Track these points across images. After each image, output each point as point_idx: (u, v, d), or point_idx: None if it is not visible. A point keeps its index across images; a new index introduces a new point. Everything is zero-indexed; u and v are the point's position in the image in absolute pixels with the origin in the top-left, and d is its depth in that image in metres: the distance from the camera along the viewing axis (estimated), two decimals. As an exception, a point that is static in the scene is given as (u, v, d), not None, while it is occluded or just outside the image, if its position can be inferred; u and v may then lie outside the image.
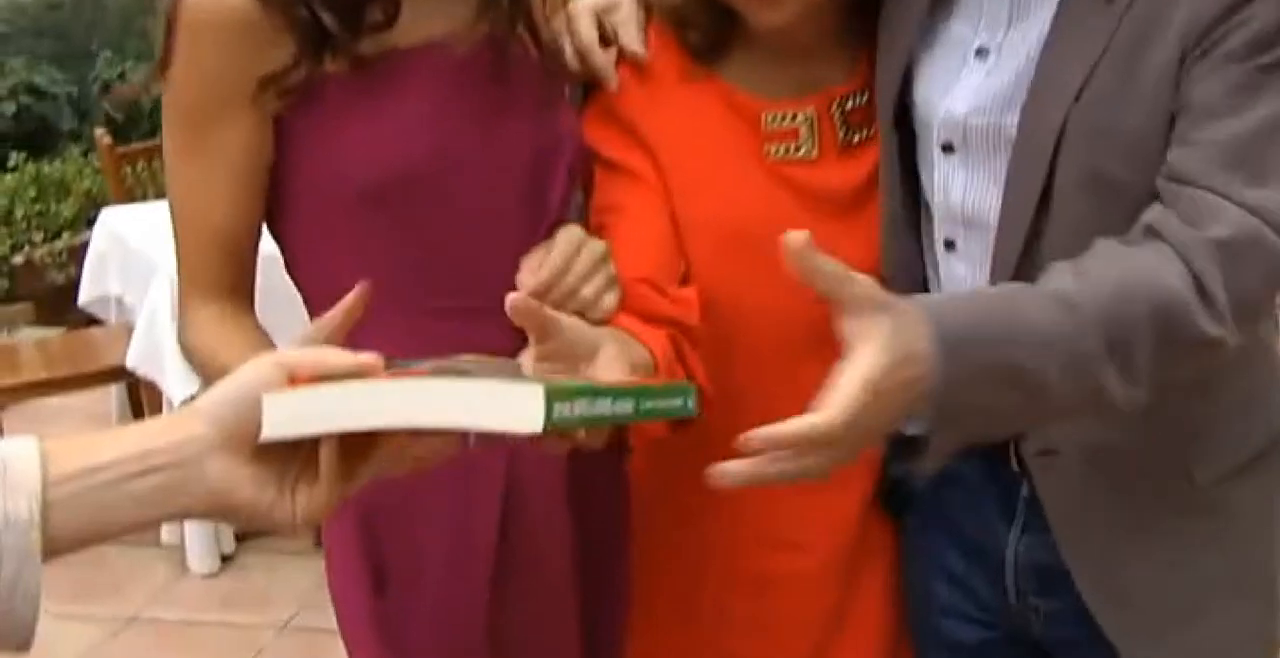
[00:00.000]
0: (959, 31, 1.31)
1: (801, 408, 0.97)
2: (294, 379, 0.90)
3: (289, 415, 0.88)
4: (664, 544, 1.52)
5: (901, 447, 1.10)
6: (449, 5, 1.34)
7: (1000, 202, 1.27)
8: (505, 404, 0.84)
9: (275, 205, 1.36)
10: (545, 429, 0.83)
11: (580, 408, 0.88)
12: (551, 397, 0.83)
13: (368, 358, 0.91)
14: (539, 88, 1.40)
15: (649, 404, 0.97)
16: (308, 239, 1.38)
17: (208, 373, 1.28)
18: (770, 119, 1.43)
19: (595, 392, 0.91)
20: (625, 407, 0.93)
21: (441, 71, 1.33)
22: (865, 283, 1.01)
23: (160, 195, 3.73)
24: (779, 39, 1.41)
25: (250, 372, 0.90)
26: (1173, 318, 1.08)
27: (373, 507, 1.37)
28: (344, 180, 1.31)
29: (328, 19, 1.27)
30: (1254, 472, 1.36)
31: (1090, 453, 1.31)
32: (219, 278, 1.33)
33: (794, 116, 1.43)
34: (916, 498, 1.47)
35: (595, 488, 1.46)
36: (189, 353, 1.34)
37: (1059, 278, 1.10)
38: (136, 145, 4.47)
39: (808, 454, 0.97)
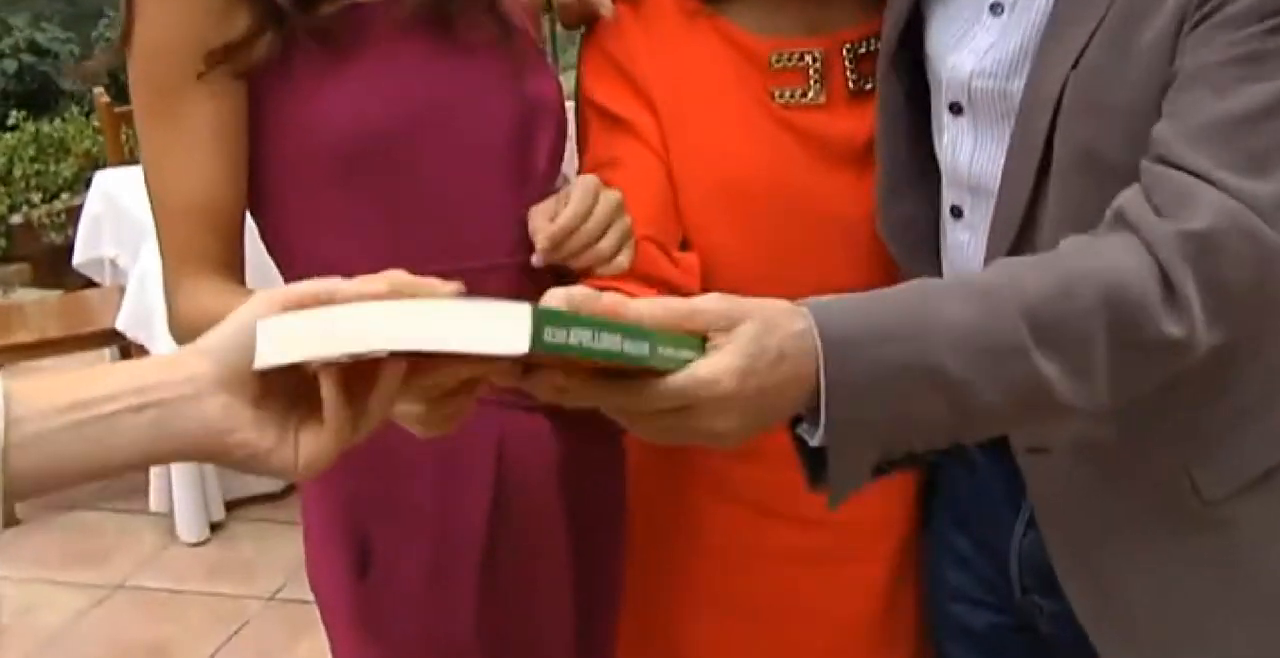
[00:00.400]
0: None
1: None
2: None
3: (280, 341, 0.85)
4: (661, 523, 1.49)
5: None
6: None
7: (1002, 171, 1.21)
8: (492, 324, 0.80)
9: (254, 179, 1.31)
10: (531, 350, 0.78)
11: (578, 337, 0.82)
12: (542, 319, 0.79)
13: (374, 286, 0.85)
14: (507, 49, 1.34)
15: (668, 351, 0.89)
16: (289, 211, 1.32)
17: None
18: (776, 58, 1.37)
19: (603, 325, 0.84)
20: (639, 348, 0.86)
21: (403, 27, 1.28)
22: (710, 304, 0.92)
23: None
24: None
25: (250, 309, 0.86)
26: (1130, 314, 0.99)
27: (358, 489, 1.34)
28: (320, 145, 1.27)
29: None
30: (1268, 487, 1.26)
31: (1084, 454, 1.23)
32: (207, 253, 1.28)
33: (801, 56, 1.37)
34: (931, 481, 1.44)
35: (590, 471, 1.42)
36: (187, 325, 1.27)
37: (986, 272, 1.04)
38: (137, 106, 4.39)
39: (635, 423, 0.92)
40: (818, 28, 1.38)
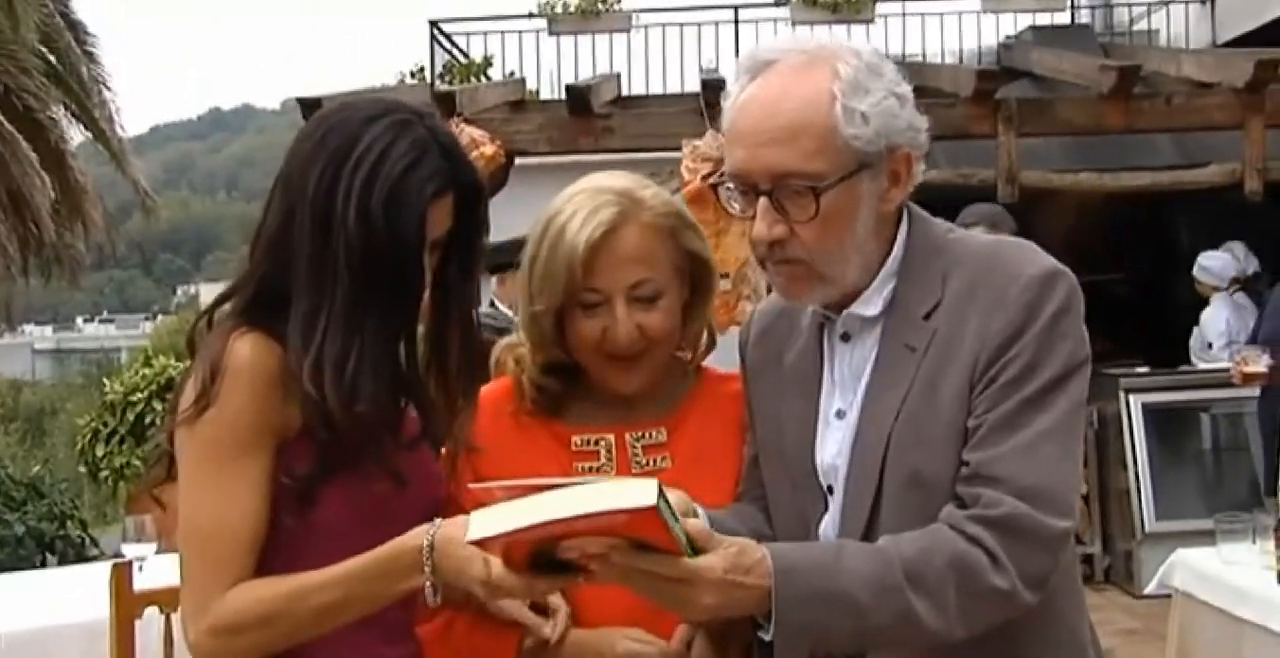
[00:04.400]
0: (824, 402, 1.74)
1: None
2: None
3: (486, 522, 1.41)
4: None
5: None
6: None
7: (841, 505, 1.68)
8: (629, 490, 1.37)
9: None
10: (655, 504, 1.34)
11: (667, 511, 1.38)
12: (661, 490, 1.36)
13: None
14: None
15: (685, 543, 1.44)
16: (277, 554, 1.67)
17: (290, 607, 1.62)
18: (579, 441, 1.90)
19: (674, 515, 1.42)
20: (682, 535, 1.44)
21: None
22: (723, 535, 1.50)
23: None
24: (613, 393, 1.87)
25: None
26: (968, 568, 1.52)
27: None
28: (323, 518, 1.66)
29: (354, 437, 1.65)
30: None
31: None
32: (243, 570, 1.64)
33: (596, 441, 1.90)
34: None
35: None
36: (228, 625, 1.61)
37: (884, 538, 1.58)
38: None
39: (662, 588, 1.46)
40: (614, 420, 1.91)
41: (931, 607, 1.50)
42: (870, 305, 1.69)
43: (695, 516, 1.58)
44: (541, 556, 1.47)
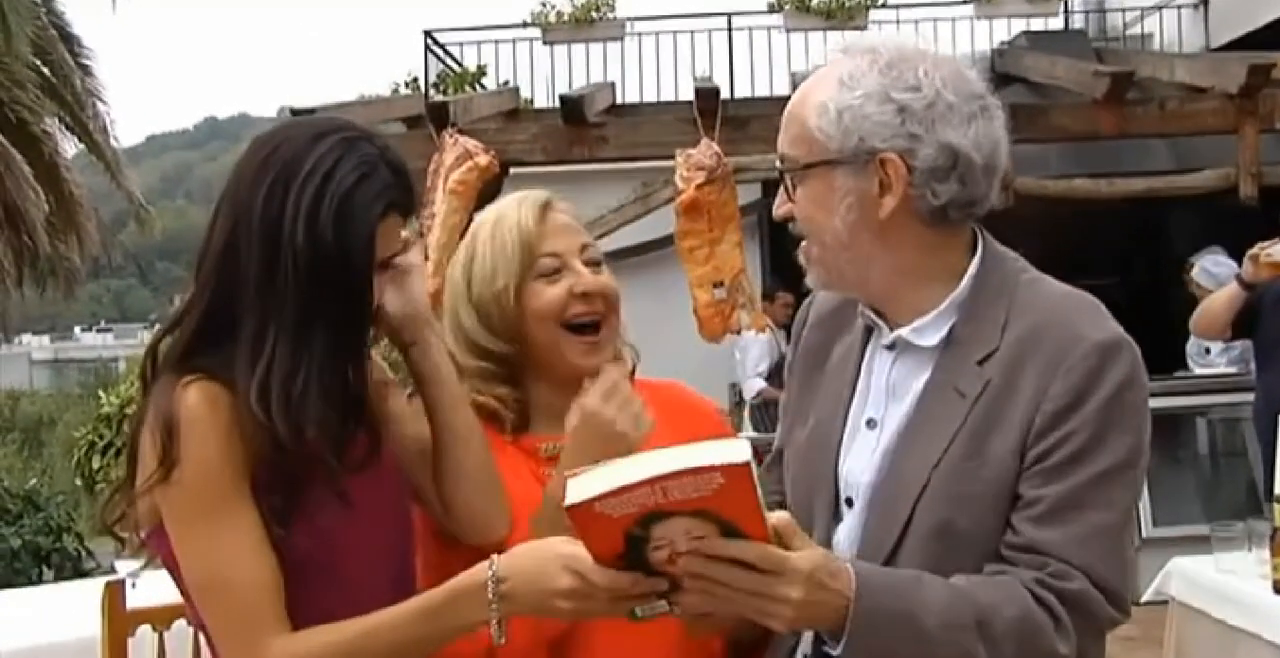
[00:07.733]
0: (856, 407, 1.72)
1: None
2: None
3: (583, 486, 1.37)
4: None
5: None
6: None
7: (860, 540, 1.66)
8: (723, 449, 1.35)
9: None
10: (747, 461, 1.33)
11: (757, 484, 1.36)
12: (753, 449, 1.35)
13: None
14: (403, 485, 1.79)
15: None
16: None
17: (363, 647, 1.57)
18: (546, 448, 1.91)
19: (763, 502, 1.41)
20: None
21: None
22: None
23: None
24: (576, 388, 1.85)
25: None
26: (1035, 627, 1.52)
27: None
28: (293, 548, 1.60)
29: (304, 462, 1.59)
30: None
31: None
32: (279, 613, 1.58)
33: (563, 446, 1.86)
34: None
35: None
36: None
37: (957, 577, 1.55)
38: None
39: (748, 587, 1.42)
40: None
41: (990, 656, 1.50)
42: (926, 336, 1.68)
43: None
44: (632, 559, 1.42)
